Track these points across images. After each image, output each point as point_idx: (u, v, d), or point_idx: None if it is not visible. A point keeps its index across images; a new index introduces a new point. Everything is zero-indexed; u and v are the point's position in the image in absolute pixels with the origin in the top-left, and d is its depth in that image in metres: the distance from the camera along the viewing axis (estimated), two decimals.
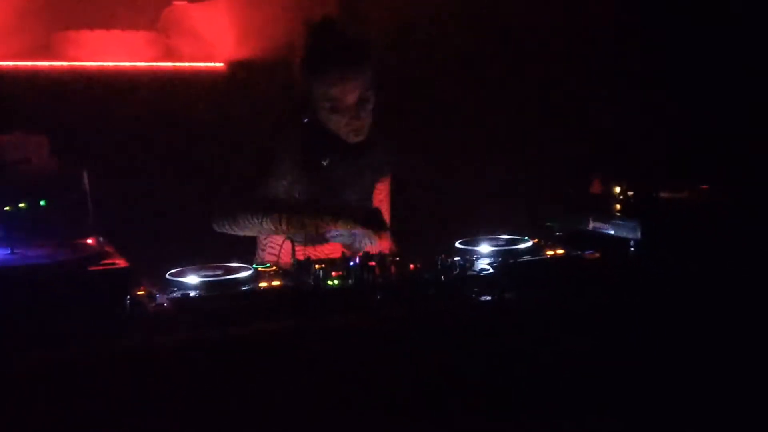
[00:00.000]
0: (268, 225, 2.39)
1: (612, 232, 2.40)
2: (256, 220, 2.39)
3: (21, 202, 2.91)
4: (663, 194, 2.51)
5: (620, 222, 2.38)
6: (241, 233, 2.46)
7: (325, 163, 2.50)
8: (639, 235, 2.31)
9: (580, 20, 4.33)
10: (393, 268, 2.13)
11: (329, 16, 2.49)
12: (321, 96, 2.43)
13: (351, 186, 2.59)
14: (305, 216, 2.36)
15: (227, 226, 2.44)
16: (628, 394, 2.15)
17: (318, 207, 2.40)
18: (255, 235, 2.54)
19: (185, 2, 4.51)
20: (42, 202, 2.92)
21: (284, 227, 2.37)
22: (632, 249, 2.32)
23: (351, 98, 2.43)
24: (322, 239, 2.54)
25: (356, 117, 2.45)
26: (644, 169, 2.86)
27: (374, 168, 2.65)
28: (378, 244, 2.37)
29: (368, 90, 2.45)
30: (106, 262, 1.88)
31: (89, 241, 2.07)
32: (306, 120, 2.51)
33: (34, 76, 4.02)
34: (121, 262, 1.88)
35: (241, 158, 2.58)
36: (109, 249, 1.99)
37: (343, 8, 4.29)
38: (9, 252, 1.90)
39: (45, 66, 4.09)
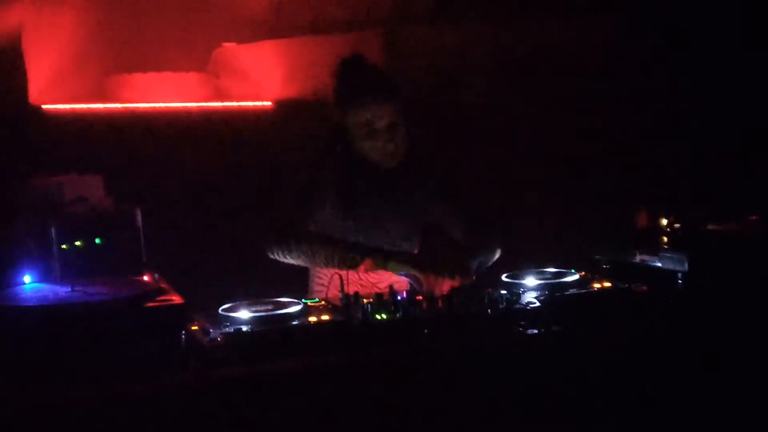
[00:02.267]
0: (320, 259, 2.47)
1: (659, 264, 2.39)
2: (309, 253, 2.47)
3: (77, 240, 3.00)
4: (710, 226, 2.49)
5: (668, 255, 2.36)
6: (293, 262, 2.54)
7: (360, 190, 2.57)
8: (686, 267, 2.30)
9: (627, 56, 4.35)
10: (440, 302, 2.15)
11: (359, 53, 2.67)
12: (355, 122, 2.58)
13: (392, 215, 2.64)
14: (357, 255, 2.43)
15: (281, 255, 2.52)
16: (675, 427, 2.13)
17: (370, 248, 2.48)
18: (306, 265, 2.60)
19: (234, 44, 4.62)
20: (97, 240, 3.01)
21: (336, 263, 2.44)
22: (680, 282, 2.30)
23: (383, 122, 2.57)
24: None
25: (389, 140, 2.58)
26: (691, 201, 2.84)
27: (417, 198, 2.68)
28: (428, 286, 2.38)
29: (398, 116, 2.59)
30: (162, 298, 1.93)
31: (146, 277, 2.13)
32: (339, 148, 2.63)
33: (89, 117, 4.15)
34: (176, 299, 1.93)
35: (289, 189, 2.67)
36: (164, 285, 2.05)
37: (385, 50, 4.37)
38: (70, 289, 1.96)
39: (100, 108, 4.22)
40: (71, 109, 4.14)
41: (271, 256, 2.54)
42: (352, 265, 2.43)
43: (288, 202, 2.63)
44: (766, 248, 2.40)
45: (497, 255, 2.62)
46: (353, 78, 2.62)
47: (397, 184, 2.65)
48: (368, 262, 2.43)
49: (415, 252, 2.69)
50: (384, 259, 2.43)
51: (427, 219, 2.73)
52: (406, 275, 2.46)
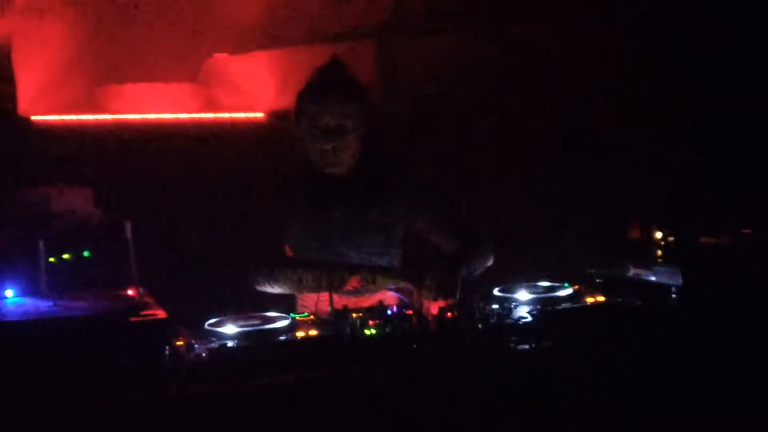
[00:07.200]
0: (308, 283, 2.43)
1: (653, 278, 2.36)
2: (296, 279, 2.43)
3: (65, 253, 2.96)
4: (705, 240, 2.47)
5: (662, 268, 2.34)
6: (279, 291, 2.50)
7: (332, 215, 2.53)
8: (681, 281, 2.27)
9: (621, 63, 4.33)
10: (430, 317, 2.12)
11: (337, 56, 2.58)
12: (304, 116, 2.49)
13: (361, 229, 2.55)
14: (345, 273, 2.39)
15: (268, 285, 2.49)
16: None
17: (355, 265, 2.44)
18: (295, 292, 2.55)
19: (226, 54, 4.60)
20: (85, 253, 2.97)
21: (324, 285, 2.40)
22: (674, 296, 2.28)
23: (328, 120, 2.45)
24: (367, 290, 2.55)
25: (329, 141, 2.45)
26: (686, 215, 2.82)
27: (387, 210, 2.58)
28: (418, 299, 2.35)
29: (350, 122, 2.47)
30: (145, 312, 1.90)
31: (129, 291, 2.09)
32: (298, 155, 2.55)
33: (79, 129, 4.12)
34: (160, 313, 1.90)
35: (262, 215, 2.63)
36: (148, 300, 2.02)
37: (378, 60, 4.36)
38: (52, 304, 1.92)
39: (90, 119, 4.19)
40: (61, 120, 4.12)
41: (258, 288, 2.51)
42: (341, 284, 2.40)
43: (265, 228, 2.58)
44: (760, 262, 2.38)
45: (488, 263, 2.57)
46: (317, 75, 2.55)
47: (364, 196, 2.55)
48: (356, 279, 2.39)
49: (395, 265, 2.61)
50: (372, 273, 2.39)
51: (405, 231, 2.62)
52: (395, 289, 2.43)
